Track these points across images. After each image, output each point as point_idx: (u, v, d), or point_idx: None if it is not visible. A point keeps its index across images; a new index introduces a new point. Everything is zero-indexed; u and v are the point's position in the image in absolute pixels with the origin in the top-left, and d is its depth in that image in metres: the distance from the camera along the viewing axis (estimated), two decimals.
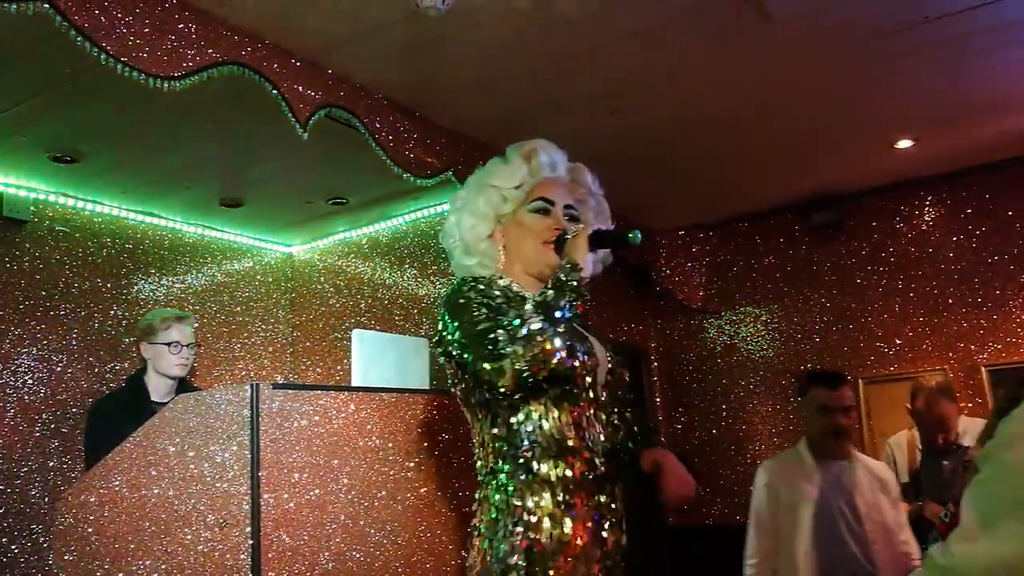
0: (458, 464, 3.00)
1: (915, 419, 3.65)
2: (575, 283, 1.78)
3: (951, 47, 3.20)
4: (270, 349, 5.09)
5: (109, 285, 4.25)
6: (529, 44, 2.93)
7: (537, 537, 1.69)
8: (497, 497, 1.74)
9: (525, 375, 1.64)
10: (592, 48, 3.01)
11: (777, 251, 5.54)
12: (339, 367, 4.93)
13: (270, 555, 2.11)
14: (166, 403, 2.98)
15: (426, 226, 4.79)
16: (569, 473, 1.73)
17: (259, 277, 5.14)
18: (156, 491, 2.27)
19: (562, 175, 2.01)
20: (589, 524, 1.73)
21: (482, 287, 1.80)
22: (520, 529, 1.69)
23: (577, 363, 1.75)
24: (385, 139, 3.19)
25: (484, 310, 1.74)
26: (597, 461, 1.79)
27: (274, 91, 2.69)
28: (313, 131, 2.90)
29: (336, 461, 2.54)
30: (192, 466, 2.26)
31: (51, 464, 3.83)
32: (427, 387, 3.10)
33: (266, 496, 2.23)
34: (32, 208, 3.94)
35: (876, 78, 3.46)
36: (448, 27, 2.73)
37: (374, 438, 2.68)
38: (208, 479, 2.24)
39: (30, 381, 3.83)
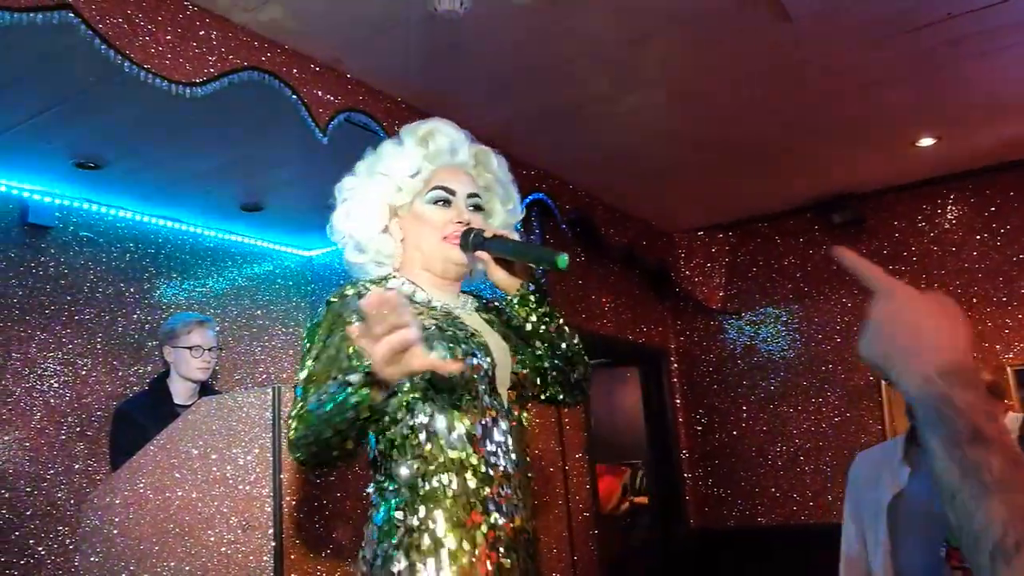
0: None
1: None
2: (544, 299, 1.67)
3: (974, 43, 3.17)
4: (290, 352, 5.12)
5: (132, 289, 4.29)
6: (545, 47, 2.93)
7: (421, 563, 1.45)
8: (380, 517, 1.52)
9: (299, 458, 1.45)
10: (609, 50, 3.01)
11: (797, 251, 5.51)
12: None
13: (292, 557, 2.12)
14: (189, 406, 3.02)
15: None
16: (467, 488, 1.50)
17: (279, 281, 5.18)
18: (180, 493, 2.29)
19: (464, 160, 1.77)
20: (483, 547, 1.48)
21: (347, 300, 1.58)
22: (401, 554, 1.46)
23: (467, 370, 1.55)
24: None
25: (320, 349, 1.54)
26: (494, 475, 1.54)
27: (294, 96, 2.71)
28: (332, 134, 2.92)
29: (356, 467, 2.55)
30: (215, 468, 2.28)
31: (76, 467, 3.88)
32: None
33: (288, 498, 2.25)
34: (57, 214, 4.00)
35: (897, 76, 3.44)
36: (466, 31, 2.74)
37: None
38: (231, 481, 2.26)
39: (56, 385, 3.88)
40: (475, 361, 1.58)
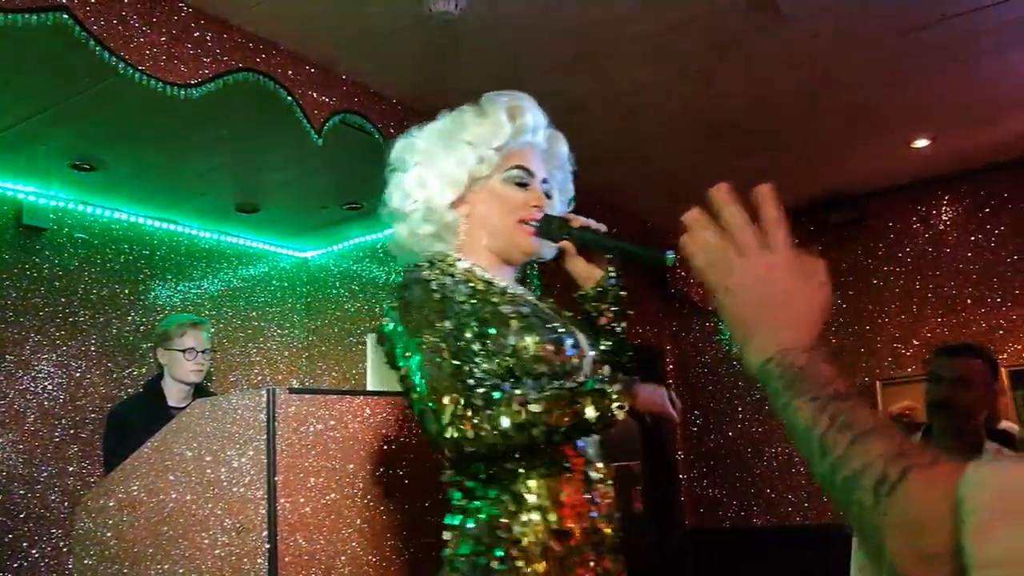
0: None
1: None
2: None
3: (966, 45, 3.18)
4: (286, 354, 5.12)
5: (127, 291, 4.29)
6: (541, 49, 2.94)
7: (526, 569, 1.36)
8: (472, 524, 1.41)
9: (467, 452, 1.31)
10: (605, 52, 3.02)
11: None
12: (355, 371, 4.95)
13: (287, 559, 2.12)
14: (183, 408, 3.01)
15: None
16: (570, 493, 1.41)
17: (275, 282, 5.18)
18: (174, 496, 2.29)
19: (541, 142, 1.66)
20: (588, 553, 1.41)
21: (444, 281, 1.45)
22: (504, 568, 1.36)
23: (566, 359, 1.45)
24: None
25: (445, 331, 1.38)
26: (592, 475, 1.46)
27: (289, 97, 2.71)
28: (327, 136, 2.92)
29: (352, 465, 2.55)
30: (209, 471, 2.27)
31: (70, 469, 3.87)
32: None
33: (282, 501, 2.24)
34: (51, 216, 3.99)
35: (891, 77, 3.44)
36: (460, 32, 2.74)
37: (390, 442, 2.69)
38: (225, 484, 2.25)
39: (49, 387, 3.88)
40: (577, 354, 1.49)
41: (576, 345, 1.49)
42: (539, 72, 3.15)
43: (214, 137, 3.46)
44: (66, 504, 3.75)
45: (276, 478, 2.22)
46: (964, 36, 3.09)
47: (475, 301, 1.44)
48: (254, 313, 5.00)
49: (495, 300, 1.46)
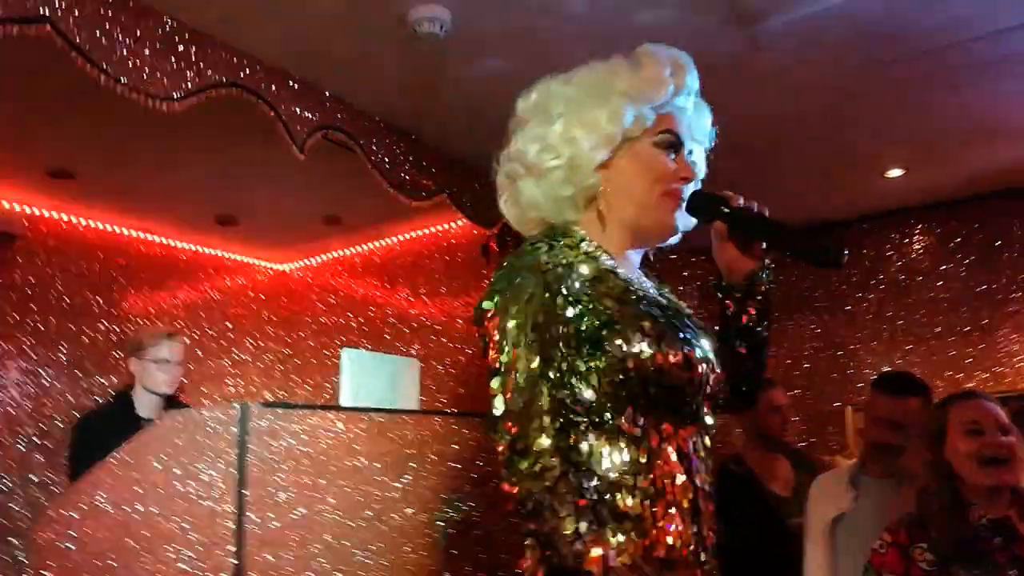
0: (446, 485, 2.99)
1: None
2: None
3: (938, 80, 3.26)
4: (260, 366, 5.09)
5: (100, 300, 4.25)
6: (525, 72, 2.96)
7: None
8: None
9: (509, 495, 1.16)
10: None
11: None
12: (329, 384, 4.93)
13: (253, 575, 2.10)
14: (153, 420, 2.97)
15: (419, 246, 4.82)
16: (680, 524, 1.22)
17: (251, 294, 5.15)
18: (140, 508, 2.26)
19: (690, 110, 1.45)
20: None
21: (560, 272, 1.24)
22: None
23: (696, 375, 1.26)
24: (381, 161, 3.22)
25: (554, 337, 1.20)
26: (700, 503, 1.27)
27: (272, 112, 2.71)
28: (308, 151, 2.93)
29: (323, 481, 2.53)
30: (177, 484, 2.25)
31: (34, 478, 3.81)
32: (416, 407, 3.10)
33: (251, 515, 2.23)
34: (25, 223, 3.96)
35: (866, 108, 3.51)
36: (448, 52, 2.77)
37: (361, 458, 2.67)
38: (193, 497, 2.23)
39: (16, 395, 3.83)
40: (706, 369, 1.30)
41: (706, 359, 1.30)
42: (519, 91, 3.17)
43: (195, 149, 3.46)
44: (28, 514, 3.69)
45: (245, 492, 2.21)
46: (938, 71, 3.17)
47: (593, 298, 1.24)
48: (229, 325, 4.97)
49: (621, 296, 1.27)
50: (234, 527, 2.20)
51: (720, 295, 1.47)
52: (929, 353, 4.95)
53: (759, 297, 1.43)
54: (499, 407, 1.20)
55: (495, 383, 1.22)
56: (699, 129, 1.48)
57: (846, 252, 1.29)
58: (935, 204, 4.94)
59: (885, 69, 3.13)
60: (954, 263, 4.94)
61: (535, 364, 1.19)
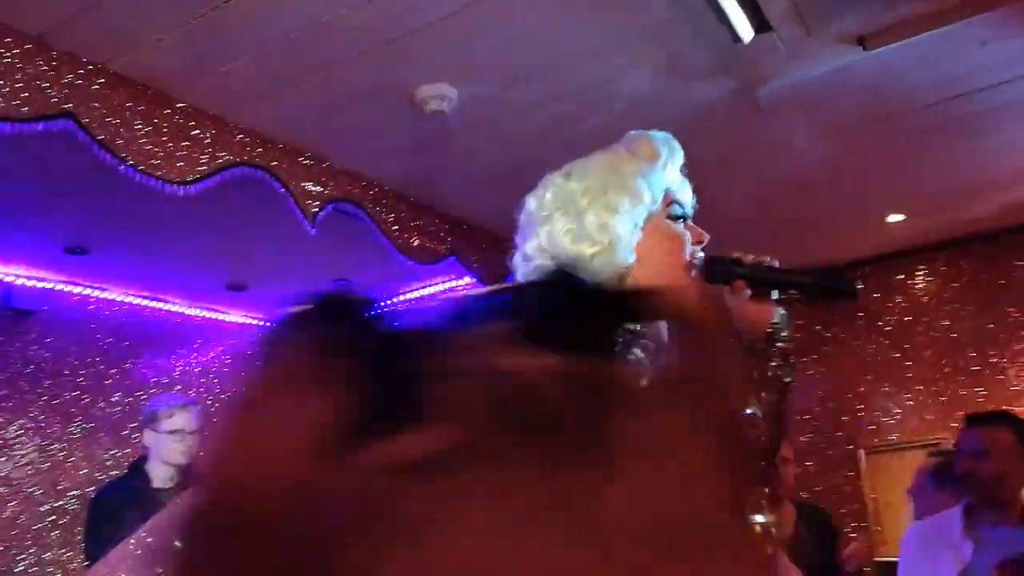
0: None
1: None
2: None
3: (936, 132, 3.32)
4: None
5: (113, 371, 4.27)
6: (531, 142, 3.03)
7: None
8: None
9: None
10: (597, 137, 3.12)
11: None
12: None
13: None
14: (169, 489, 2.95)
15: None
16: None
17: None
18: None
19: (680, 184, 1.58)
20: None
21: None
22: None
23: None
24: (391, 229, 3.27)
25: None
26: None
27: (282, 189, 2.77)
28: (321, 218, 2.98)
29: None
30: None
31: (47, 557, 3.78)
32: None
33: None
34: (40, 298, 3.99)
35: (865, 161, 3.58)
36: (454, 126, 2.83)
37: None
38: None
39: (31, 471, 3.82)
40: None
41: None
42: (529, 165, 3.22)
43: (206, 223, 3.51)
44: None
45: None
46: (937, 124, 3.23)
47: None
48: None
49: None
50: None
51: (746, 352, 1.47)
52: (938, 394, 4.95)
53: (780, 347, 1.45)
54: None
55: None
56: (688, 200, 1.56)
57: (860, 285, 1.34)
58: (938, 245, 4.98)
59: (883, 125, 3.20)
60: (959, 303, 4.97)
61: None
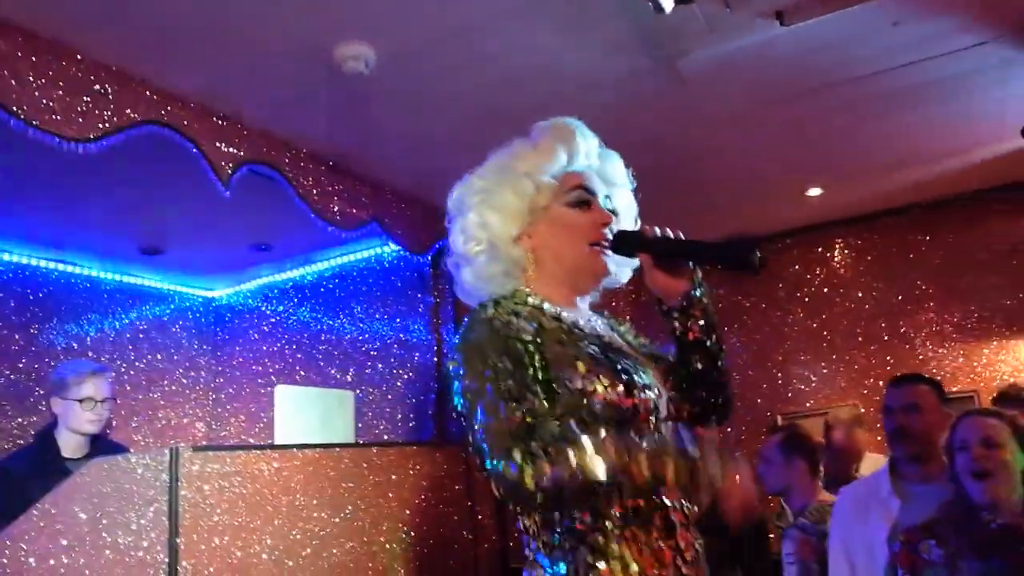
0: (386, 516, 2.97)
1: (828, 453, 3.67)
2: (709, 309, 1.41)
3: (852, 109, 3.42)
4: (191, 397, 4.96)
5: (17, 336, 4.08)
6: (457, 102, 2.99)
7: None
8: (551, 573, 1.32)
9: (544, 488, 1.23)
10: (515, 110, 3.09)
11: None
12: (264, 414, 4.83)
13: None
14: (79, 459, 2.87)
15: (352, 270, 4.77)
16: (650, 542, 1.33)
17: (180, 323, 5.02)
18: (66, 561, 2.19)
19: (596, 164, 1.60)
20: None
21: (508, 320, 1.37)
22: None
23: (637, 402, 1.37)
24: (309, 193, 3.20)
25: (507, 371, 1.31)
26: (674, 519, 1.37)
27: (195, 150, 2.67)
28: (236, 178, 2.89)
29: (259, 521, 2.50)
30: (106, 534, 2.19)
31: None
32: (352, 440, 3.07)
33: (184, 563, 2.18)
34: None
35: (786, 135, 3.66)
36: (374, 87, 2.77)
37: (298, 495, 2.64)
38: (123, 547, 2.17)
39: None
40: (649, 395, 1.40)
41: (647, 386, 1.41)
42: (449, 126, 3.20)
43: (115, 181, 3.36)
44: None
45: (178, 540, 2.16)
46: (849, 101, 3.32)
47: (540, 341, 1.36)
48: (158, 356, 4.83)
49: (563, 339, 1.39)
50: None
51: (665, 319, 1.55)
52: (852, 363, 5.15)
53: (699, 312, 1.50)
54: (486, 447, 1.29)
55: (477, 427, 1.31)
56: (612, 175, 1.62)
57: (760, 254, 1.36)
58: (854, 219, 5.15)
59: (803, 100, 3.27)
60: (872, 275, 5.16)
61: (501, 400, 1.30)
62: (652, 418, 1.40)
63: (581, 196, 1.52)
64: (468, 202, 1.54)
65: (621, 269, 1.57)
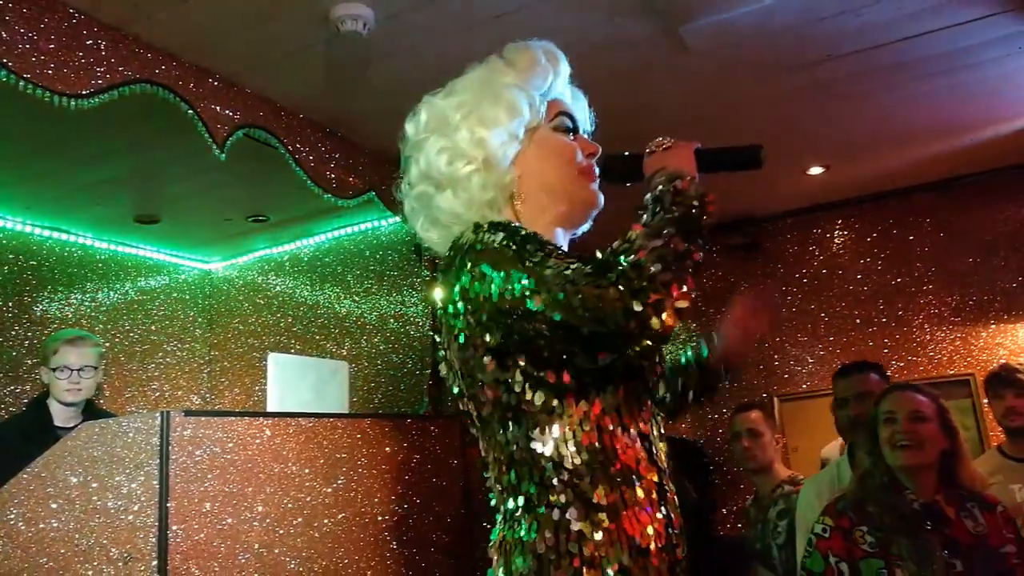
0: (378, 488, 2.97)
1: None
2: (700, 193, 1.24)
3: (855, 83, 3.37)
4: (186, 369, 4.94)
5: (11, 304, 4.06)
6: (453, 69, 2.94)
7: None
8: (533, 538, 1.20)
9: (662, 322, 1.10)
10: None
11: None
12: (258, 387, 4.82)
13: None
14: (71, 428, 2.86)
15: (349, 243, 4.74)
16: (641, 502, 1.23)
17: (175, 294, 4.99)
18: (55, 524, 2.18)
19: (569, 94, 1.51)
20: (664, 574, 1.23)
21: (517, 225, 1.27)
22: None
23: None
24: (306, 159, 3.16)
25: (541, 251, 1.19)
26: (665, 484, 1.29)
27: (190, 111, 2.63)
28: (233, 148, 2.85)
29: (250, 489, 2.49)
30: (96, 498, 2.18)
31: None
32: (346, 411, 3.06)
33: (175, 528, 2.17)
34: None
35: (788, 109, 3.61)
36: (372, 50, 2.73)
37: (290, 464, 2.63)
38: (112, 511, 2.16)
39: None
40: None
41: None
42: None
43: (111, 147, 3.32)
44: None
45: (168, 504, 2.15)
46: (853, 74, 3.27)
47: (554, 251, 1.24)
48: (153, 327, 4.81)
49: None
50: (156, 541, 2.14)
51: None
52: (849, 344, 5.14)
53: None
54: (578, 309, 1.13)
55: (546, 304, 1.14)
56: (580, 113, 1.52)
57: (762, 150, 1.32)
58: (854, 200, 5.13)
59: (805, 71, 3.23)
60: (871, 257, 5.14)
61: (565, 266, 1.17)
62: (652, 371, 1.37)
63: (567, 122, 1.43)
64: (451, 120, 1.38)
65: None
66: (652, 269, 1.11)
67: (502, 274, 1.17)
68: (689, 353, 1.62)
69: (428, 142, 1.40)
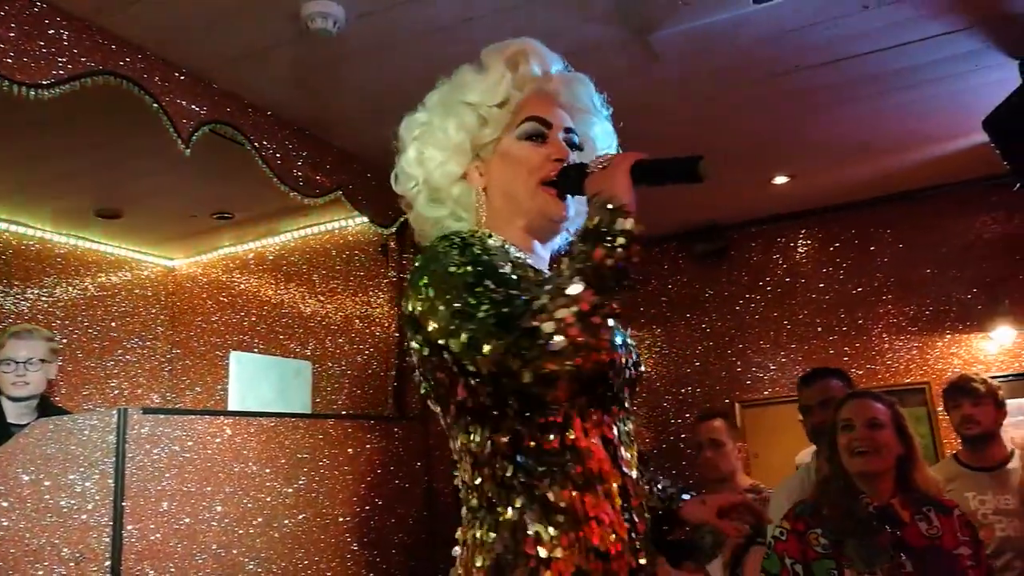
0: (340, 489, 2.95)
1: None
2: (625, 229, 1.15)
3: (822, 94, 3.43)
4: (147, 367, 4.86)
5: None
6: (422, 70, 2.94)
7: None
8: (492, 538, 1.20)
9: (567, 370, 1.08)
10: None
11: (661, 277, 5.74)
12: (220, 386, 4.75)
13: None
14: (24, 425, 2.80)
15: (315, 243, 4.70)
16: (602, 507, 1.22)
17: (136, 291, 4.91)
18: (5, 523, 2.13)
19: (556, 88, 1.45)
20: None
21: (473, 243, 1.25)
22: None
23: (614, 356, 1.28)
24: (273, 157, 3.12)
25: (485, 276, 1.16)
26: (630, 489, 1.28)
27: (155, 105, 2.58)
28: (199, 144, 2.81)
29: (209, 488, 2.46)
30: (48, 496, 2.14)
31: None
32: (308, 411, 3.03)
33: (129, 527, 2.14)
34: None
35: (755, 118, 3.66)
36: (341, 49, 2.71)
37: (251, 464, 2.61)
38: (65, 510, 2.12)
39: None
40: (620, 352, 1.31)
41: (623, 344, 1.34)
42: (418, 92, 3.14)
43: (72, 139, 3.26)
44: None
45: (124, 503, 2.11)
46: (819, 86, 3.33)
47: (509, 268, 1.23)
48: (113, 323, 4.72)
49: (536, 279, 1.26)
50: (110, 540, 2.11)
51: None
52: (811, 352, 5.22)
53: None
54: (468, 346, 1.13)
55: (503, 360, 1.11)
56: (578, 99, 1.48)
57: (704, 163, 1.27)
58: (817, 210, 5.21)
59: (773, 82, 3.27)
60: (833, 267, 5.23)
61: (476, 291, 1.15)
62: (619, 377, 1.32)
63: (534, 128, 1.38)
64: (408, 138, 1.42)
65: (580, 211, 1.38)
66: (554, 339, 1.06)
67: (441, 308, 1.16)
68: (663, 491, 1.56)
69: (397, 161, 1.46)
